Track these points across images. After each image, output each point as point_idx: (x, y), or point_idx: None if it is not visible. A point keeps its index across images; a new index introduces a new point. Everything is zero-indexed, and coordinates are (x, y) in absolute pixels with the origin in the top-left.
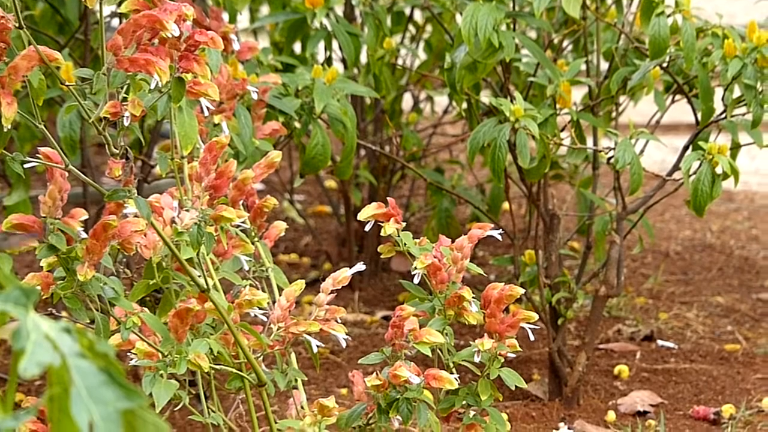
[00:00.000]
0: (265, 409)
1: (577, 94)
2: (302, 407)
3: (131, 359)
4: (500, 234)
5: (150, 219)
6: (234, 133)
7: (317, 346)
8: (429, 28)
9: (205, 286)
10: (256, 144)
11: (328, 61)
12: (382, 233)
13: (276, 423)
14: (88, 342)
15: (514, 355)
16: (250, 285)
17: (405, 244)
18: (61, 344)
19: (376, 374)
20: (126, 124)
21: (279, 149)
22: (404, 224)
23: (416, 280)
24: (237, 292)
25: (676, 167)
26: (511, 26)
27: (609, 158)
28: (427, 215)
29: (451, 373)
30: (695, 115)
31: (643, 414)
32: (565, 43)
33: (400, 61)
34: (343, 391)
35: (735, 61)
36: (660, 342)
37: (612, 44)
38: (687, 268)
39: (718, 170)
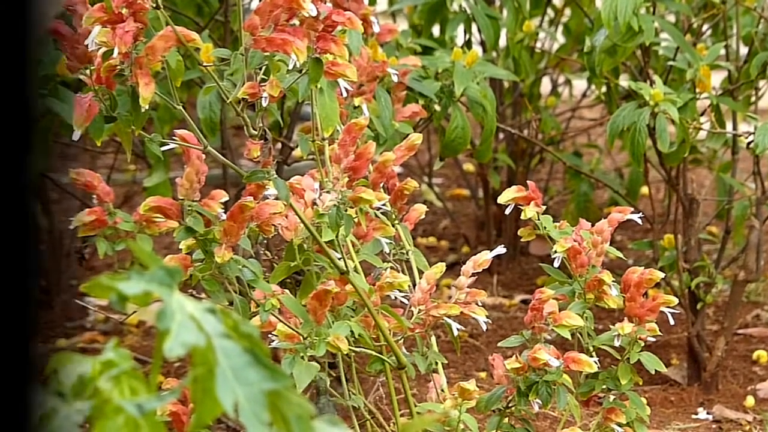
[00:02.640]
0: (405, 392)
1: (716, 79)
2: (442, 390)
3: (271, 341)
4: (639, 218)
5: (288, 200)
6: (374, 115)
7: (458, 329)
8: (568, 11)
9: (345, 269)
10: (395, 126)
11: (468, 44)
12: (521, 216)
13: (416, 406)
14: (233, 323)
15: (653, 340)
16: (391, 268)
17: (545, 227)
18: (206, 325)
19: (516, 357)
20: (264, 105)
21: (418, 132)
22: (543, 208)
23: (556, 264)
24: (378, 275)
25: None
26: (651, 10)
27: (748, 143)
28: (565, 199)
29: (591, 356)
30: None
31: None
32: (704, 28)
33: (538, 45)
34: (482, 374)
35: None
36: None
37: (751, 28)
38: None
39: None
